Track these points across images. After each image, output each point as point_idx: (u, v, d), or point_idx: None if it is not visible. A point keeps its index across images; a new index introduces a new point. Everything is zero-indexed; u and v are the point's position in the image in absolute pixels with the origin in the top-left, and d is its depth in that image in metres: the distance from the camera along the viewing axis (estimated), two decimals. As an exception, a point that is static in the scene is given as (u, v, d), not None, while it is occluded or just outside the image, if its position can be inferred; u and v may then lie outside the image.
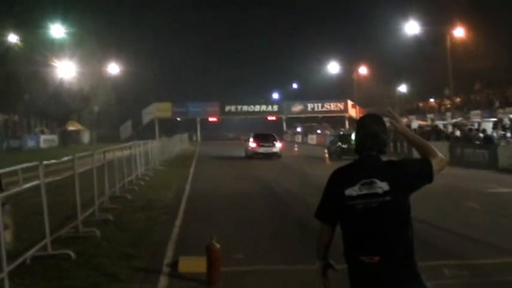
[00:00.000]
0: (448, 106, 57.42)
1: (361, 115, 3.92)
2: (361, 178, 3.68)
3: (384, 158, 3.81)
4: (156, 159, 30.31)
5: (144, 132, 79.60)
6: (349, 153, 33.10)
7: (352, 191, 3.67)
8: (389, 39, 64.07)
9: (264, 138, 39.86)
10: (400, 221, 3.63)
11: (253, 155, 38.29)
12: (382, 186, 3.63)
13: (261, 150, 38.60)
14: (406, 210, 3.68)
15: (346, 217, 3.71)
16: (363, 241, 3.63)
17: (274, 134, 41.29)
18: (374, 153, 3.79)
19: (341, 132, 44.87)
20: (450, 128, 39.91)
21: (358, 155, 3.85)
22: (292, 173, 27.12)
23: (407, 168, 3.77)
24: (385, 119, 3.91)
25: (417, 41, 57.85)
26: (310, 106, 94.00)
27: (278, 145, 39.27)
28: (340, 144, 37.50)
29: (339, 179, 3.80)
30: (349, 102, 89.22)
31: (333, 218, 3.80)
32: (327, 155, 33.85)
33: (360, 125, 3.90)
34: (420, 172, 3.76)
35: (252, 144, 39.18)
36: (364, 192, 3.64)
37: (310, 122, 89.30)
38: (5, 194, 8.45)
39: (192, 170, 29.33)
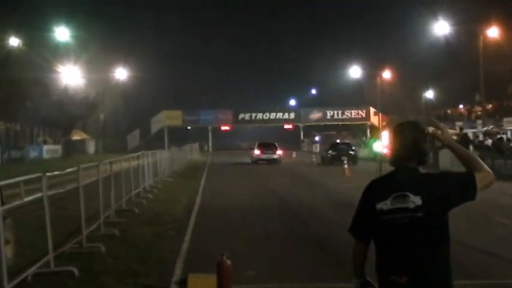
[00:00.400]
0: (479, 113, 57.06)
1: (399, 122, 3.72)
2: (394, 191, 3.62)
3: (423, 170, 3.72)
4: (165, 171, 30.50)
5: (152, 141, 79.88)
6: (338, 160, 42.45)
7: (384, 205, 3.62)
8: (415, 41, 63.86)
9: (267, 146, 49.34)
10: (433, 239, 3.55)
11: (257, 161, 47.43)
12: (415, 200, 3.55)
13: (264, 156, 47.85)
14: (441, 229, 3.59)
15: (377, 233, 3.68)
16: (392, 259, 3.58)
17: (275, 144, 49.73)
18: (412, 164, 3.70)
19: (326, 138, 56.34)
20: (481, 137, 39.66)
21: (394, 167, 3.76)
22: (309, 186, 27.17)
23: (445, 182, 3.66)
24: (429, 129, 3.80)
25: (446, 42, 57.37)
26: (329, 113, 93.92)
27: (278, 152, 48.36)
28: (330, 151, 46.94)
29: (372, 191, 3.76)
30: (372, 109, 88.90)
31: (366, 233, 3.76)
32: (346, 166, 33.97)
33: (396, 133, 3.80)
34: (461, 187, 3.64)
35: (256, 151, 48.65)
36: (396, 206, 3.58)
37: (329, 131, 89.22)
38: (6, 207, 8.56)
39: (202, 182, 29.49)
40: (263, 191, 25.01)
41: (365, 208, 3.74)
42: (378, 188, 3.74)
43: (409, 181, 3.63)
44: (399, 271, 3.53)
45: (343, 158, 40.06)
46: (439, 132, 3.77)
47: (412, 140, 3.71)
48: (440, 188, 3.60)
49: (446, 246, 3.60)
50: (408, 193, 3.57)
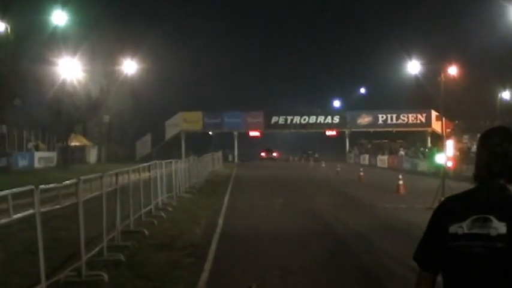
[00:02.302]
0: None
1: (488, 129, 3.50)
2: (474, 212, 3.46)
3: None
4: (181, 185, 30.61)
5: (166, 149, 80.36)
6: (305, 160, 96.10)
7: (458, 228, 3.47)
8: (490, 29, 63.05)
9: (268, 150, 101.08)
10: None
11: (262, 159, 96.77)
12: (498, 227, 3.37)
13: (267, 156, 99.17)
14: None
15: (447, 263, 3.54)
16: None
17: (272, 149, 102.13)
18: (501, 181, 3.54)
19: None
20: None
21: (478, 183, 3.62)
22: (356, 206, 27.10)
23: None
24: None
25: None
26: (381, 117, 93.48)
27: (274, 154, 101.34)
28: (303, 154, 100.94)
29: (445, 210, 3.61)
30: (433, 113, 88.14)
31: (434, 262, 3.64)
32: (401, 182, 33.76)
33: (484, 141, 3.67)
34: None
35: (262, 154, 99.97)
36: (474, 231, 3.42)
37: (381, 139, 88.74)
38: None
39: (226, 199, 29.63)
40: (301, 211, 25.00)
41: (435, 231, 3.60)
42: (454, 207, 3.58)
43: (495, 202, 3.47)
44: None
45: (309, 158, 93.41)
46: None
47: (503, 151, 3.57)
48: None
49: None
50: (491, 217, 3.40)
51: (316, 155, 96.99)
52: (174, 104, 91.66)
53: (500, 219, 3.37)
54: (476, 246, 3.38)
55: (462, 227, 3.44)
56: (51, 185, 10.90)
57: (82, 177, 12.07)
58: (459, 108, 70.84)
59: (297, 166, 78.82)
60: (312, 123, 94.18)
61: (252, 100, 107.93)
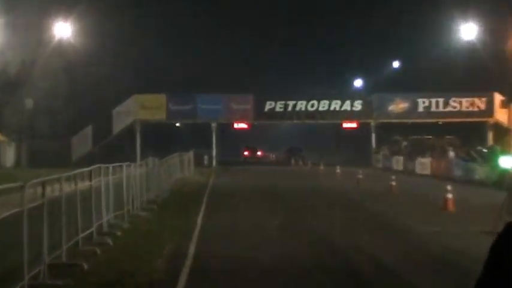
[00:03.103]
0: None
1: None
2: None
3: None
4: (136, 199, 30.65)
5: (115, 147, 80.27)
6: (289, 160, 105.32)
7: None
8: None
9: (252, 149, 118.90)
10: None
11: (245, 158, 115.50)
12: None
13: (250, 155, 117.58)
14: None
15: None
16: None
17: (256, 147, 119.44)
18: None
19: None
20: None
21: None
22: (384, 229, 27.19)
23: None
24: None
25: None
26: (422, 103, 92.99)
27: (258, 153, 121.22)
28: (288, 154, 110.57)
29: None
30: (497, 97, 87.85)
31: None
32: (450, 195, 33.82)
33: None
34: None
35: (245, 153, 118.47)
36: None
37: (421, 134, 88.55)
38: None
39: (199, 219, 29.69)
40: (304, 237, 25.12)
41: (498, 266, 3.56)
42: None
43: None
44: None
45: (295, 159, 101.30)
46: None
47: None
48: None
49: None
50: None
51: (303, 155, 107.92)
52: (127, 84, 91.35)
53: None
54: None
55: None
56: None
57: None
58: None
59: (300, 171, 78.90)
60: (323, 111, 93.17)
61: (236, 79, 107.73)
